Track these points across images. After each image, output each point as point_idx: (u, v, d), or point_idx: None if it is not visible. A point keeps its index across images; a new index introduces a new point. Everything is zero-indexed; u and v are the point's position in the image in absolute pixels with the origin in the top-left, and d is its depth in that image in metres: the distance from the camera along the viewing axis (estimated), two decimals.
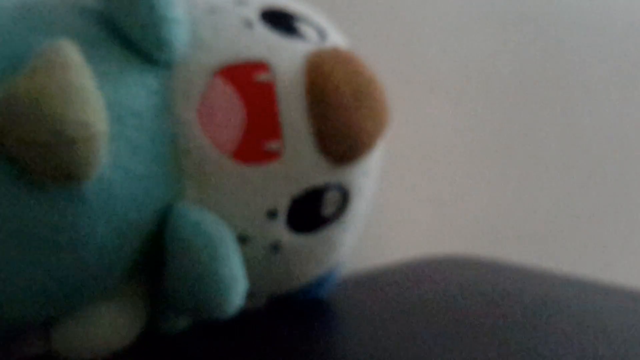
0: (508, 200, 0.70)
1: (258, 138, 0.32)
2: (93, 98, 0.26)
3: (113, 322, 0.31)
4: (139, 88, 0.30)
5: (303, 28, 0.35)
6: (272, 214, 0.33)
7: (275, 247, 0.34)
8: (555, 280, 0.47)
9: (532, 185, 0.72)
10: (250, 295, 0.33)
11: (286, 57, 0.33)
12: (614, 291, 0.44)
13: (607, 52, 0.78)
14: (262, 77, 0.32)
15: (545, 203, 0.73)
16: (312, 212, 0.34)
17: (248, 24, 0.33)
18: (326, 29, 0.37)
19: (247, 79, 0.32)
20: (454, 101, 0.65)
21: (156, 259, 0.31)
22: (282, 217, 0.33)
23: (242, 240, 0.32)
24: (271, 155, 0.32)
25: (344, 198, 0.35)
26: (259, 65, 0.32)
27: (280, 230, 0.33)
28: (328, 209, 0.35)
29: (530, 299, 0.41)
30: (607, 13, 0.77)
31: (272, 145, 0.32)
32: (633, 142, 0.80)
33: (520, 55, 0.70)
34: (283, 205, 0.33)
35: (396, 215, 0.61)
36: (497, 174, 0.69)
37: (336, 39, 0.37)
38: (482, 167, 0.68)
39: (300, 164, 0.33)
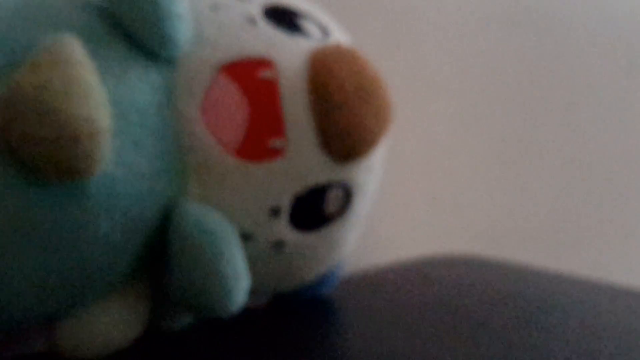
0: (509, 200, 0.70)
1: (261, 135, 0.32)
2: (96, 94, 0.26)
3: (116, 319, 0.31)
4: (142, 84, 0.30)
5: (306, 25, 0.35)
6: (275, 212, 0.33)
7: (278, 245, 0.34)
8: (556, 279, 0.47)
9: (533, 185, 0.72)
10: (253, 292, 0.33)
11: (289, 54, 0.33)
12: (615, 291, 0.44)
13: (609, 53, 0.78)
14: (265, 74, 0.32)
15: (546, 202, 0.73)
16: (315, 210, 0.34)
17: (251, 21, 0.33)
18: (329, 26, 0.37)
19: (250, 75, 0.32)
20: (457, 100, 0.65)
21: (159, 256, 0.31)
22: (285, 214, 0.33)
23: (245, 237, 0.32)
24: (274, 153, 0.32)
25: (347, 196, 0.35)
26: (263, 62, 0.32)
27: (283, 228, 0.33)
28: (331, 207, 0.35)
29: (532, 298, 0.41)
30: (610, 14, 0.77)
31: (276, 142, 0.32)
32: (634, 143, 0.80)
33: (522, 55, 0.71)
34: (286, 202, 0.33)
35: (398, 214, 0.61)
36: (499, 173, 0.69)
37: (339, 36, 0.37)
38: (484, 166, 0.68)
39: (303, 161, 0.33)
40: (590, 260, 0.75)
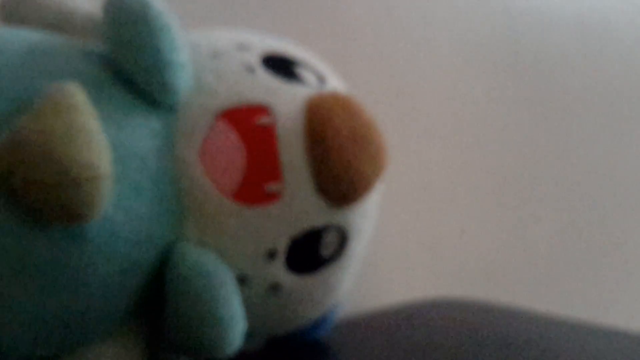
0: (505, 243, 0.70)
1: (258, 180, 0.32)
2: (98, 140, 0.27)
3: None
4: (143, 130, 0.30)
5: (303, 73, 0.36)
6: (271, 255, 0.33)
7: (274, 288, 0.34)
8: (552, 323, 0.47)
9: (529, 228, 0.72)
10: (249, 335, 0.33)
11: (286, 101, 0.34)
12: (611, 334, 0.44)
13: (605, 97, 0.79)
14: (263, 120, 0.33)
15: (542, 246, 0.73)
16: (311, 253, 0.35)
17: (250, 69, 0.34)
18: (325, 73, 0.37)
19: (248, 122, 0.33)
20: (451, 144, 0.66)
21: (157, 298, 0.32)
22: (281, 257, 0.33)
23: (242, 280, 0.33)
24: (271, 197, 0.33)
25: (343, 239, 0.36)
26: (260, 109, 0.33)
27: (279, 271, 0.34)
28: (327, 250, 0.35)
29: (527, 341, 0.41)
30: (603, 57, 0.79)
31: (272, 186, 0.33)
32: (630, 185, 0.81)
33: (515, 98, 0.71)
34: (282, 245, 0.33)
35: (394, 257, 0.61)
36: (494, 217, 0.69)
37: (335, 83, 0.38)
38: (479, 210, 0.68)
39: (299, 205, 0.33)
40: (586, 303, 0.75)
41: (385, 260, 0.60)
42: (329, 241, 0.35)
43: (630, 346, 0.42)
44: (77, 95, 0.27)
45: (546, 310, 0.65)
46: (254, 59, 0.35)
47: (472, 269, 0.67)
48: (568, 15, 0.76)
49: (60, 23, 0.35)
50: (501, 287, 0.68)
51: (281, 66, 0.35)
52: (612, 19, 0.79)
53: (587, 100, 0.77)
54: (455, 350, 0.40)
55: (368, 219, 0.37)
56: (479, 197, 0.68)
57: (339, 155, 0.33)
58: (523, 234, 0.72)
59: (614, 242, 0.80)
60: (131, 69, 0.30)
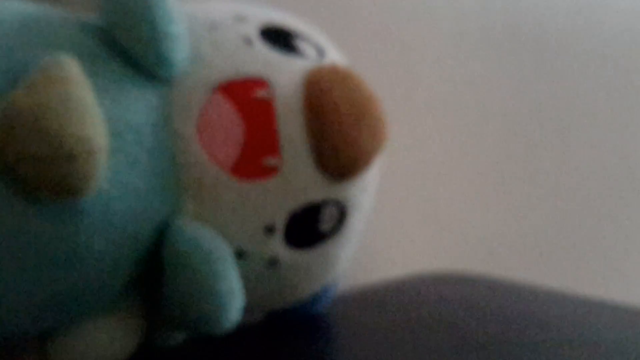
0: (504, 217, 0.70)
1: (256, 154, 0.32)
2: (93, 113, 0.27)
3: (110, 336, 0.31)
4: (139, 103, 0.30)
5: (302, 45, 0.36)
6: (269, 230, 0.33)
7: (273, 263, 0.34)
8: (551, 296, 0.47)
9: (528, 203, 0.72)
10: (247, 310, 0.33)
11: (285, 74, 0.33)
12: (610, 307, 0.44)
13: (604, 77, 0.78)
14: (261, 93, 0.33)
15: (541, 220, 0.73)
16: (310, 227, 0.35)
17: (248, 41, 0.34)
18: (325, 46, 0.37)
19: (246, 95, 0.32)
20: (450, 119, 0.66)
21: (154, 273, 0.31)
22: (279, 232, 0.33)
23: (240, 255, 0.33)
24: (269, 171, 0.32)
25: (342, 214, 0.36)
26: (258, 82, 0.33)
27: (277, 246, 0.34)
28: (325, 225, 0.35)
29: (526, 315, 0.42)
30: (606, 39, 0.78)
31: (271, 161, 0.32)
32: (628, 161, 0.81)
33: (516, 74, 0.71)
34: (281, 220, 0.33)
35: (393, 231, 0.61)
36: (494, 191, 0.69)
37: (335, 56, 0.37)
38: (478, 184, 0.68)
39: (298, 179, 0.33)
40: (585, 277, 0.75)
41: (384, 234, 0.60)
42: (328, 216, 0.35)
43: (631, 320, 0.42)
44: (72, 68, 0.27)
45: (546, 284, 0.65)
46: (252, 30, 0.34)
47: (472, 243, 0.67)
48: None
49: None
50: (500, 261, 0.68)
51: (280, 38, 0.35)
52: None
53: (589, 82, 0.77)
54: (454, 324, 0.40)
55: (367, 193, 0.37)
56: (478, 172, 0.68)
57: (338, 129, 0.33)
58: (522, 208, 0.72)
59: (614, 216, 0.80)
60: (127, 42, 0.30)
